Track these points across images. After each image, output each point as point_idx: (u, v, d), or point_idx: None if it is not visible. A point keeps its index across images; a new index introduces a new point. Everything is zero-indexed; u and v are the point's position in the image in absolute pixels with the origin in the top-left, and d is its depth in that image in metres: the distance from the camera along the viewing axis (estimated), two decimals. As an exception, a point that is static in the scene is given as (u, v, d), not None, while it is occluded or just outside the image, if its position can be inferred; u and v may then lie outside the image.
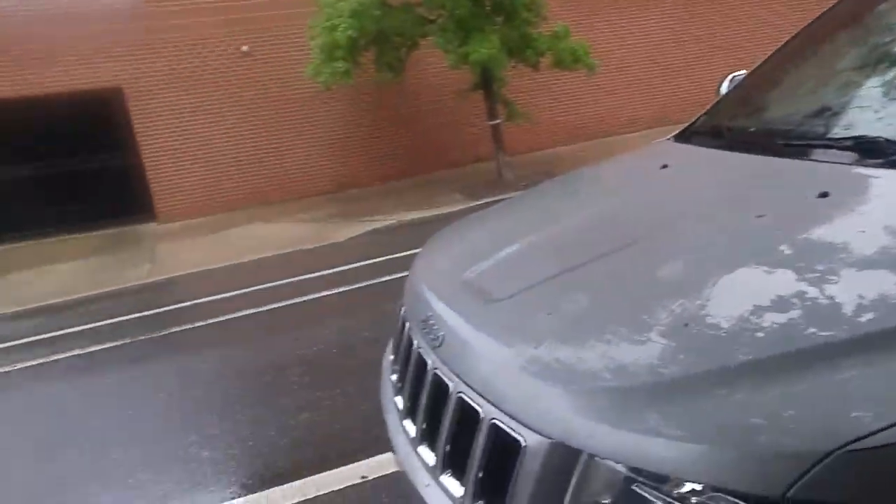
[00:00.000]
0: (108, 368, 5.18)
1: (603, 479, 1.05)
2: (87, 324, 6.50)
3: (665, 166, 2.07)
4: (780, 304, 1.16)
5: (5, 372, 5.40)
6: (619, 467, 1.02)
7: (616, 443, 1.03)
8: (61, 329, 6.44)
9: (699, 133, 2.36)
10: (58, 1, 10.81)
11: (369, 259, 7.23)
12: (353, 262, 7.22)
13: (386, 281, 6.22)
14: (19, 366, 5.49)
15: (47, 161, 11.86)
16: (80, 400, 4.61)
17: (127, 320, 6.42)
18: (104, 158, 12.14)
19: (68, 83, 10.97)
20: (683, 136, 2.40)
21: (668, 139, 2.47)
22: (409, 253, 6.96)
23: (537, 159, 12.33)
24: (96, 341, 5.82)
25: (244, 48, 11.65)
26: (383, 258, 7.14)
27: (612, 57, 13.29)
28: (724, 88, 2.61)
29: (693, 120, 2.47)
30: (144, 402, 4.30)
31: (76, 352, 5.62)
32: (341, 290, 6.24)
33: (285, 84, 11.93)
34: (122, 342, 5.68)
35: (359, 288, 6.22)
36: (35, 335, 6.39)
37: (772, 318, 1.14)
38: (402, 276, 6.23)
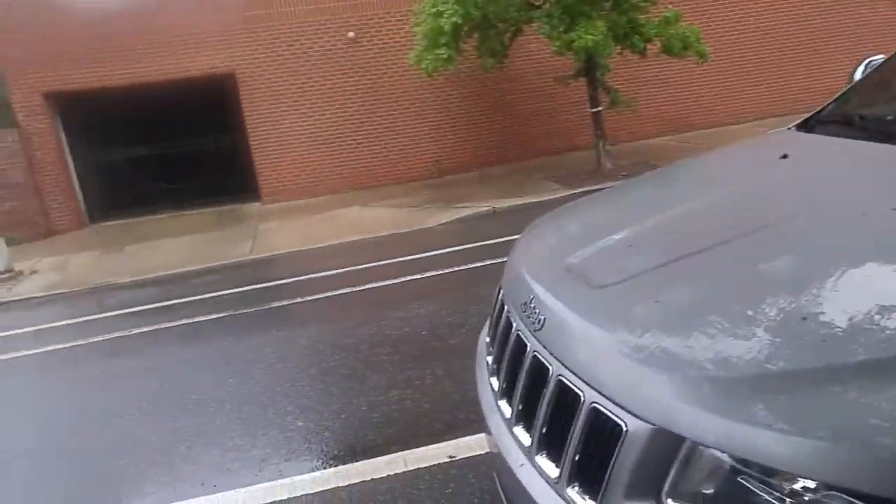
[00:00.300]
0: (213, 338, 5.44)
1: (706, 467, 1.04)
2: (194, 295, 6.88)
3: (785, 156, 1.96)
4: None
5: (125, 336, 5.81)
6: (725, 457, 1.01)
7: (723, 432, 1.01)
8: (172, 299, 6.87)
9: (826, 122, 2.22)
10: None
11: (461, 245, 7.29)
12: (445, 248, 7.30)
13: (475, 267, 6.25)
14: (135, 331, 5.88)
15: (166, 142, 12.62)
16: (188, 366, 4.89)
17: (230, 294, 6.76)
18: (217, 140, 12.83)
19: (185, 69, 11.58)
20: (807, 126, 2.26)
21: (789, 128, 2.34)
22: (500, 240, 7.04)
23: (637, 149, 12.02)
24: (202, 312, 6.15)
25: (350, 34, 11.91)
26: (475, 244, 7.18)
27: (721, 43, 12.76)
28: (857, 74, 2.43)
29: (819, 108, 2.31)
30: (245, 371, 4.49)
31: (184, 321, 5.97)
32: (431, 273, 6.31)
33: (388, 70, 12.14)
34: (225, 314, 5.99)
35: (449, 273, 6.27)
36: (149, 304, 6.84)
37: None
38: (492, 264, 6.30)
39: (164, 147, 12.73)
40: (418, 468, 2.92)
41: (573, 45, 8.88)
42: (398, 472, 2.92)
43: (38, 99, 11.36)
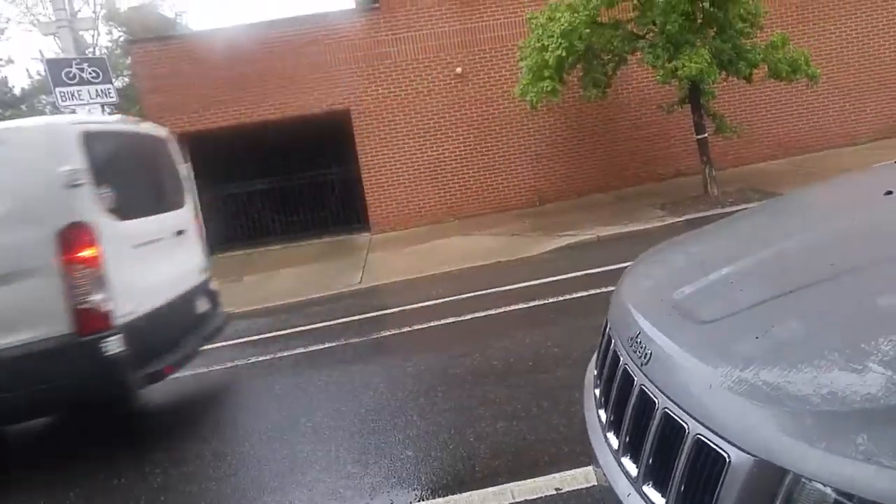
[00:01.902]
0: (326, 366, 5.67)
1: (809, 500, 1.06)
2: (308, 325, 7.22)
3: (890, 192, 1.93)
4: None
5: (243, 365, 6.15)
6: (828, 490, 1.02)
7: (825, 465, 1.03)
8: (287, 329, 7.21)
9: None
10: (296, 33, 12.17)
11: (566, 274, 7.28)
12: (549, 276, 7.32)
13: (581, 297, 6.23)
14: (253, 360, 6.22)
15: (282, 176, 13.38)
16: (302, 394, 5.10)
17: (341, 322, 7.03)
18: (330, 174, 13.47)
19: (304, 106, 12.31)
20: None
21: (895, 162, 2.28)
22: (606, 269, 6.97)
23: (745, 174, 11.66)
24: (315, 341, 6.44)
25: (458, 70, 12.29)
26: (580, 273, 7.16)
27: (833, 63, 12.31)
28: None
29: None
30: (355, 399, 4.68)
31: (299, 350, 6.25)
32: (533, 304, 6.34)
33: (493, 102, 12.42)
34: (337, 343, 6.24)
35: (550, 303, 6.28)
36: (265, 333, 7.21)
37: None
38: (598, 293, 6.22)
39: (280, 181, 13.48)
40: (525, 500, 2.96)
41: (678, 74, 8.81)
42: (506, 503, 2.97)
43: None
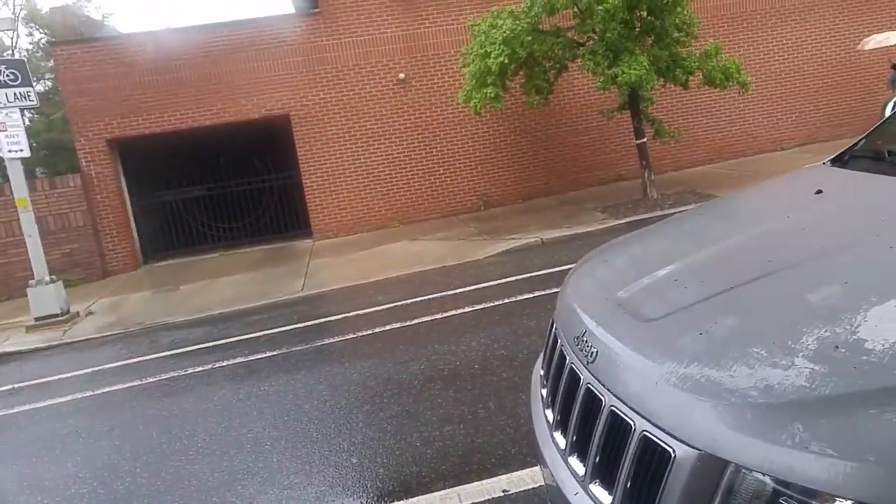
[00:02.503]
0: (267, 376, 5.54)
1: (750, 490, 1.09)
2: (247, 333, 7.04)
3: (819, 192, 2.02)
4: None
5: (181, 375, 5.96)
6: (767, 479, 1.06)
7: (764, 455, 1.07)
8: (225, 338, 7.01)
9: (859, 157, 2.28)
10: (233, 37, 11.94)
11: (511, 276, 7.32)
12: (495, 279, 7.35)
13: (526, 299, 6.27)
14: (190, 370, 6.03)
15: (219, 183, 13.08)
16: (242, 404, 4.97)
17: (283, 331, 6.89)
18: (270, 180, 13.23)
19: (242, 112, 12.04)
20: (840, 161, 2.31)
21: (824, 163, 2.38)
22: (550, 271, 7.05)
23: (683, 177, 12.00)
24: (255, 350, 6.29)
25: (401, 76, 12.24)
26: (525, 276, 7.21)
27: (763, 72, 12.90)
28: (888, 110, 2.48)
29: (851, 144, 2.35)
30: (298, 408, 4.59)
31: (238, 360, 6.09)
32: (480, 307, 6.35)
33: (435, 108, 12.42)
34: (277, 352, 6.11)
35: (497, 306, 6.30)
36: (204, 343, 7.00)
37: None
38: (543, 295, 6.28)
39: (217, 187, 13.17)
40: (473, 503, 2.94)
41: (617, 80, 8.99)
42: (452, 506, 2.95)
43: (101, 145, 11.91)
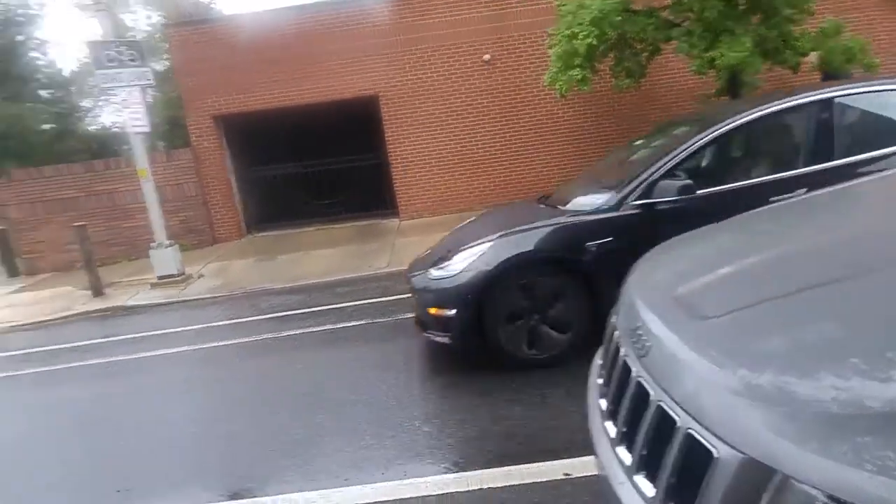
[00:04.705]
0: (351, 344, 5.83)
1: (797, 502, 1.05)
2: (336, 303, 7.39)
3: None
4: None
5: (274, 338, 6.38)
6: (816, 493, 1.02)
7: (815, 468, 1.03)
8: (317, 306, 7.42)
9: None
10: (324, 17, 12.24)
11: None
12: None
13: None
14: (284, 333, 6.44)
15: (315, 160, 13.53)
16: (329, 368, 5.28)
17: (368, 304, 7.16)
18: (361, 159, 13.55)
19: (336, 91, 12.38)
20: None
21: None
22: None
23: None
24: (343, 319, 6.62)
25: (486, 57, 12.21)
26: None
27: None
28: None
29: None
30: (377, 376, 4.78)
31: (327, 326, 6.43)
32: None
33: (521, 91, 12.32)
34: (362, 322, 6.38)
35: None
36: (297, 309, 7.45)
37: None
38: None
39: (313, 165, 13.64)
40: (534, 482, 3.02)
41: (715, 64, 8.46)
42: (514, 483, 3.04)
43: (208, 121, 12.59)
